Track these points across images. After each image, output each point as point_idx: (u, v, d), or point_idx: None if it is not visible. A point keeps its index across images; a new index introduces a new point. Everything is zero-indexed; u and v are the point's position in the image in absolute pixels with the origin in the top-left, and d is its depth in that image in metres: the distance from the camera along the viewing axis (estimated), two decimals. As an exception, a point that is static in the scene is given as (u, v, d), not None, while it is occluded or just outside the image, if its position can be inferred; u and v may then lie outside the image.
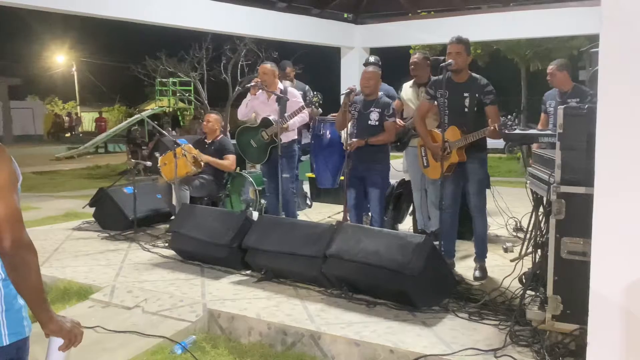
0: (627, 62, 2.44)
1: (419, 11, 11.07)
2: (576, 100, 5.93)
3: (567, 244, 3.42)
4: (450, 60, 4.87)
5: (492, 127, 4.77)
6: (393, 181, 6.29)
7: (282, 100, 6.18)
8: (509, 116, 4.77)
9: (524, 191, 5.38)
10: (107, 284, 5.04)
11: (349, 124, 5.58)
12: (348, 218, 5.69)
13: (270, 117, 6.26)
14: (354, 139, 5.52)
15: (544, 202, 4.04)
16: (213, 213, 5.90)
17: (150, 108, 26.43)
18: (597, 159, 2.55)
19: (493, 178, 5.93)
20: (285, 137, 6.25)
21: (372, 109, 5.57)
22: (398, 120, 5.90)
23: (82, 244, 6.56)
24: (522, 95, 21.39)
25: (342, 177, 6.53)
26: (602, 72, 2.51)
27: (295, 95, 6.35)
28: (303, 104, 6.25)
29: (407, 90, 6.13)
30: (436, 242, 5.04)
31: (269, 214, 6.35)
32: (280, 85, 6.40)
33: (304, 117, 6.35)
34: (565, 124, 3.44)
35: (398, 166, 6.85)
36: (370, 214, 6.01)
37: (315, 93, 6.35)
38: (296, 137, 6.53)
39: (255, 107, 6.49)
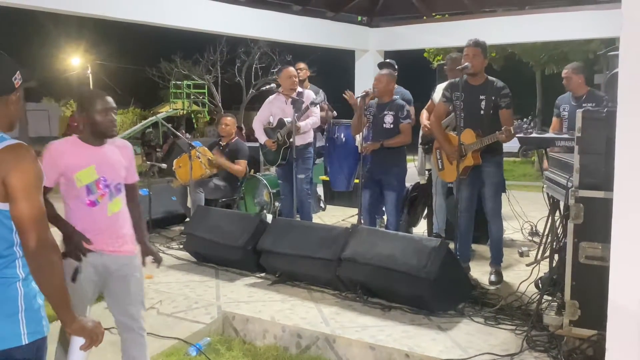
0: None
1: (433, 14, 11.02)
2: (591, 105, 5.87)
3: (586, 249, 3.39)
4: (466, 63, 4.86)
5: (507, 130, 4.72)
6: (408, 184, 6.27)
7: (297, 103, 6.19)
8: (525, 119, 4.74)
9: (539, 195, 5.35)
10: (123, 286, 5.06)
11: (365, 128, 5.57)
12: (362, 221, 5.68)
13: (286, 119, 6.27)
14: (369, 142, 5.51)
15: (561, 206, 4.01)
16: (228, 215, 5.92)
17: (165, 111, 26.54)
18: (616, 163, 2.52)
19: (507, 182, 5.89)
20: (301, 140, 6.25)
21: (386, 112, 5.55)
22: (427, 122, 5.89)
23: (98, 245, 6.58)
24: (537, 99, 21.23)
25: (357, 180, 6.51)
26: (623, 75, 2.49)
27: (311, 99, 6.34)
28: (307, 104, 6.23)
29: (439, 92, 6.10)
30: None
31: (283, 217, 6.36)
32: (299, 88, 6.42)
33: (314, 119, 6.35)
34: (584, 127, 3.41)
35: (411, 169, 6.81)
36: (384, 217, 5.99)
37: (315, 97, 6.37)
38: (311, 140, 6.53)
39: (273, 110, 6.51)
